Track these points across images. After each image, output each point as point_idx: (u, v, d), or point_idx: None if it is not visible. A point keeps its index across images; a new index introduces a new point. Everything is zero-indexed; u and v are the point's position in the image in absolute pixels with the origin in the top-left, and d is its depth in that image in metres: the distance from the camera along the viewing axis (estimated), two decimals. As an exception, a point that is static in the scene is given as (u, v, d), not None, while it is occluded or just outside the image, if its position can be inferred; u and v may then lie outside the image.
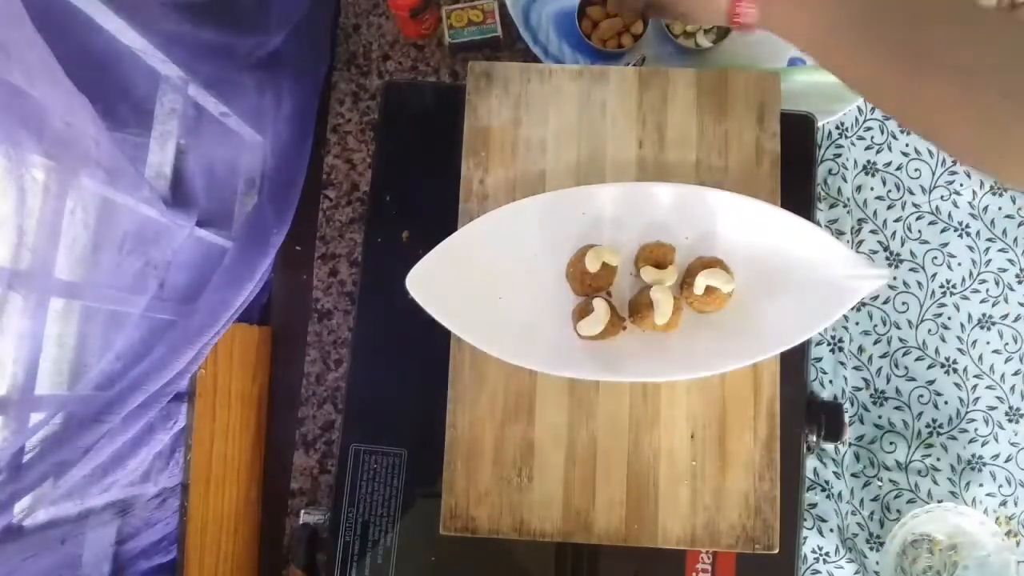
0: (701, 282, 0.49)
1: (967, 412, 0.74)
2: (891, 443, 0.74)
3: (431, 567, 0.55)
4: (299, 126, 0.74)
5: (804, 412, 0.56)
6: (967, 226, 0.76)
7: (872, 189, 0.76)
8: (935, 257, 0.76)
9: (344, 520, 0.56)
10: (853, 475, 0.74)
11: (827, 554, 0.72)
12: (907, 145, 0.77)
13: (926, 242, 0.76)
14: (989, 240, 0.76)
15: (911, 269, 0.76)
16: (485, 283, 0.52)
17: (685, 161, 0.55)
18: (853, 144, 0.77)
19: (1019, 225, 0.76)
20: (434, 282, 0.50)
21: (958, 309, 0.75)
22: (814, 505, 0.73)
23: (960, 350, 0.75)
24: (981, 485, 0.73)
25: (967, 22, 0.36)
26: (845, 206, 0.75)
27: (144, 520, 0.67)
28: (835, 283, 0.50)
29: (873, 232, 0.76)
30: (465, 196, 0.55)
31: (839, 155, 0.76)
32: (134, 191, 0.55)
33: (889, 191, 0.77)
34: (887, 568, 0.69)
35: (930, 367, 0.75)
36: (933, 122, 0.38)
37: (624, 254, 0.52)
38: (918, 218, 0.76)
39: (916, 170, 0.77)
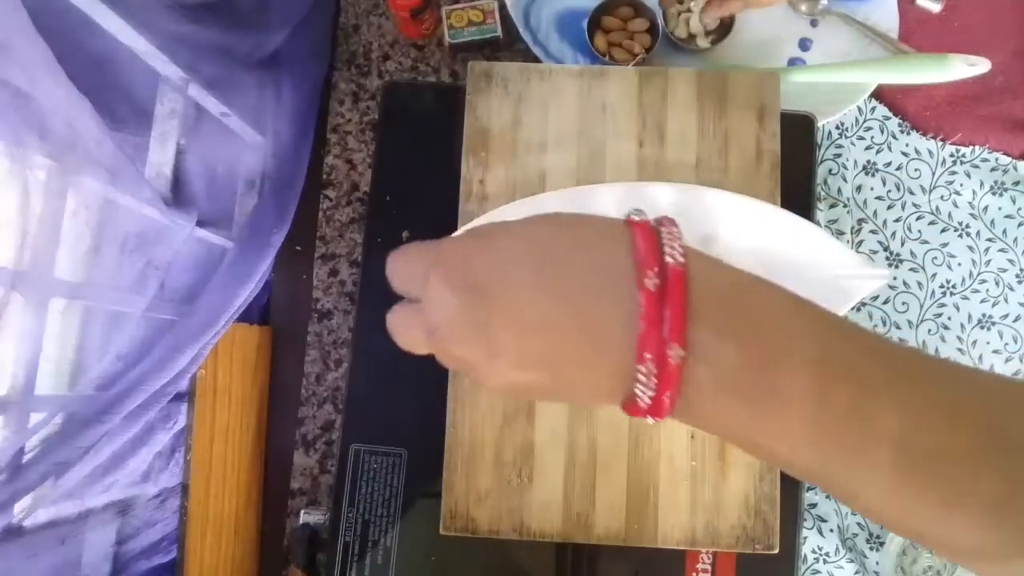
0: (701, 282, 0.49)
1: (967, 412, 0.74)
2: (891, 443, 0.74)
3: (431, 567, 0.55)
4: (299, 126, 0.74)
5: (804, 412, 0.56)
6: (967, 226, 0.76)
7: (872, 189, 0.77)
8: (935, 257, 0.76)
9: (344, 520, 0.56)
10: (853, 475, 0.74)
11: (827, 554, 0.72)
12: (907, 145, 0.77)
13: (926, 242, 0.76)
14: (989, 240, 0.76)
15: (911, 269, 0.76)
16: (485, 283, 0.52)
17: (685, 161, 0.55)
18: (853, 144, 0.77)
19: (1019, 225, 0.76)
20: (434, 282, 0.50)
21: (958, 309, 0.75)
22: (814, 505, 0.73)
23: (960, 350, 0.75)
24: (981, 485, 0.73)
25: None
26: (845, 206, 0.75)
27: (144, 520, 0.67)
28: (835, 283, 0.50)
29: (873, 232, 0.76)
30: (465, 196, 0.55)
31: (839, 155, 0.76)
32: (135, 191, 0.55)
33: (889, 191, 0.77)
34: (887, 568, 0.69)
35: (930, 367, 0.75)
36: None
37: (624, 254, 0.53)
38: (918, 218, 0.76)
39: (916, 170, 0.77)
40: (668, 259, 0.25)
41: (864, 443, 0.23)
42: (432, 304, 0.28)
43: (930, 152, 0.77)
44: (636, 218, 0.28)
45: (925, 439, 0.23)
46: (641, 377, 0.24)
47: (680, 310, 0.24)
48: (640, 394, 0.24)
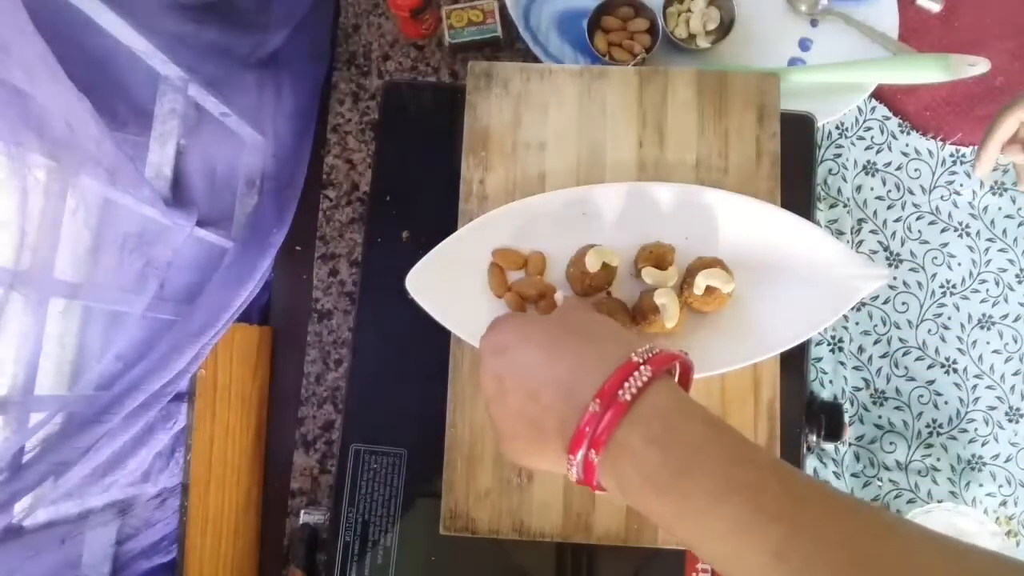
0: (701, 282, 0.49)
1: (967, 412, 0.74)
2: (891, 443, 0.74)
3: (431, 567, 0.55)
4: (299, 126, 0.74)
5: (804, 412, 0.56)
6: (967, 226, 0.76)
7: (872, 189, 0.77)
8: (935, 257, 0.76)
9: (344, 520, 0.56)
10: (853, 475, 0.74)
11: (827, 554, 0.72)
12: (907, 145, 0.77)
13: (926, 242, 0.76)
14: (989, 240, 0.76)
15: (911, 269, 0.76)
16: (485, 283, 0.52)
17: (685, 161, 0.55)
18: (853, 144, 0.77)
19: (1019, 225, 0.76)
20: (434, 282, 0.51)
21: (958, 309, 0.75)
22: (814, 505, 0.72)
23: (960, 350, 0.75)
24: (981, 485, 0.73)
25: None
26: (845, 206, 0.75)
27: (144, 520, 0.67)
28: (835, 283, 0.50)
29: (873, 232, 0.76)
30: (465, 196, 0.55)
31: (839, 155, 0.76)
32: (135, 191, 0.55)
33: (889, 191, 0.77)
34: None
35: (930, 367, 0.75)
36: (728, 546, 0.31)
37: (624, 254, 0.53)
38: (918, 218, 0.76)
39: (916, 170, 0.77)
40: (620, 393, 0.34)
41: (745, 551, 0.30)
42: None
43: (930, 152, 0.77)
44: (636, 359, 0.35)
45: (795, 554, 0.29)
46: (571, 465, 0.35)
47: (605, 430, 0.33)
48: (573, 474, 0.35)
